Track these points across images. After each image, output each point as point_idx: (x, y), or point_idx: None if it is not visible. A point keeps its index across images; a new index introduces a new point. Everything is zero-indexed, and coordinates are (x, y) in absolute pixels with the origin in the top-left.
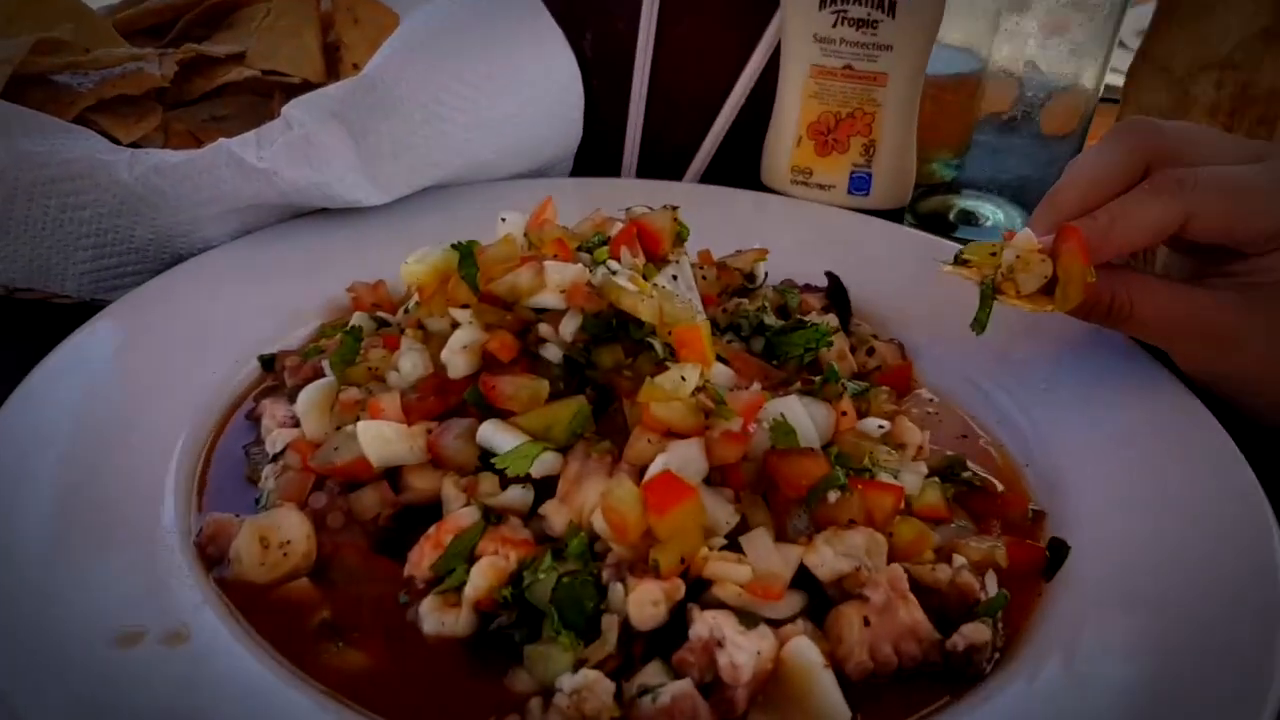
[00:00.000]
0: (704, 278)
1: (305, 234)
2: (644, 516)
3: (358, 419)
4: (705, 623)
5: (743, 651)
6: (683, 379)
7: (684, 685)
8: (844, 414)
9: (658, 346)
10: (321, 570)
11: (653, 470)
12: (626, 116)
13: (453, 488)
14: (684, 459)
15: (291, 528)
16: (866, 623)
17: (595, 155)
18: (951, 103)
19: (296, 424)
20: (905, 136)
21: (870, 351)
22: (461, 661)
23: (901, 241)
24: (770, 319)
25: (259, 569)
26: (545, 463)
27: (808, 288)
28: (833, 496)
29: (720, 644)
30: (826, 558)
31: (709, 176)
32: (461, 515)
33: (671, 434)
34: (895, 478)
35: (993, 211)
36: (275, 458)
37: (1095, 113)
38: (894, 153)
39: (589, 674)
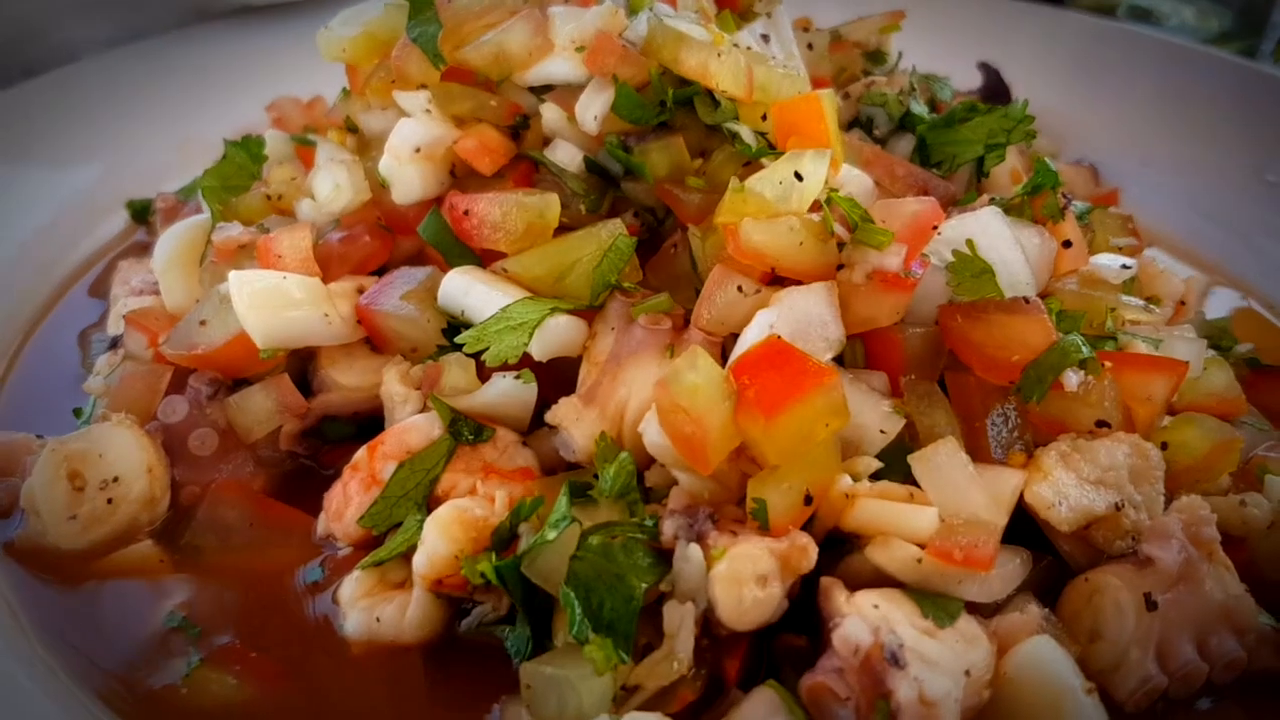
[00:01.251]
0: (810, 46)
1: (210, 43)
2: (734, 421)
3: None
4: (863, 617)
5: (939, 674)
6: (796, 177)
7: None
8: (1067, 244)
9: (745, 134)
10: (177, 529)
11: (749, 339)
12: None
13: (398, 382)
14: (803, 317)
15: (122, 455)
16: (1151, 605)
17: None
18: None
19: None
20: None
21: None
22: (415, 688)
23: (1071, 32)
24: (920, 108)
25: (66, 526)
26: (556, 334)
27: None
28: (1071, 382)
29: (895, 660)
30: (1064, 489)
31: None
32: (412, 428)
33: (778, 278)
34: (1156, 349)
35: (1175, 9)
36: (114, 343)
37: None
38: None
39: None
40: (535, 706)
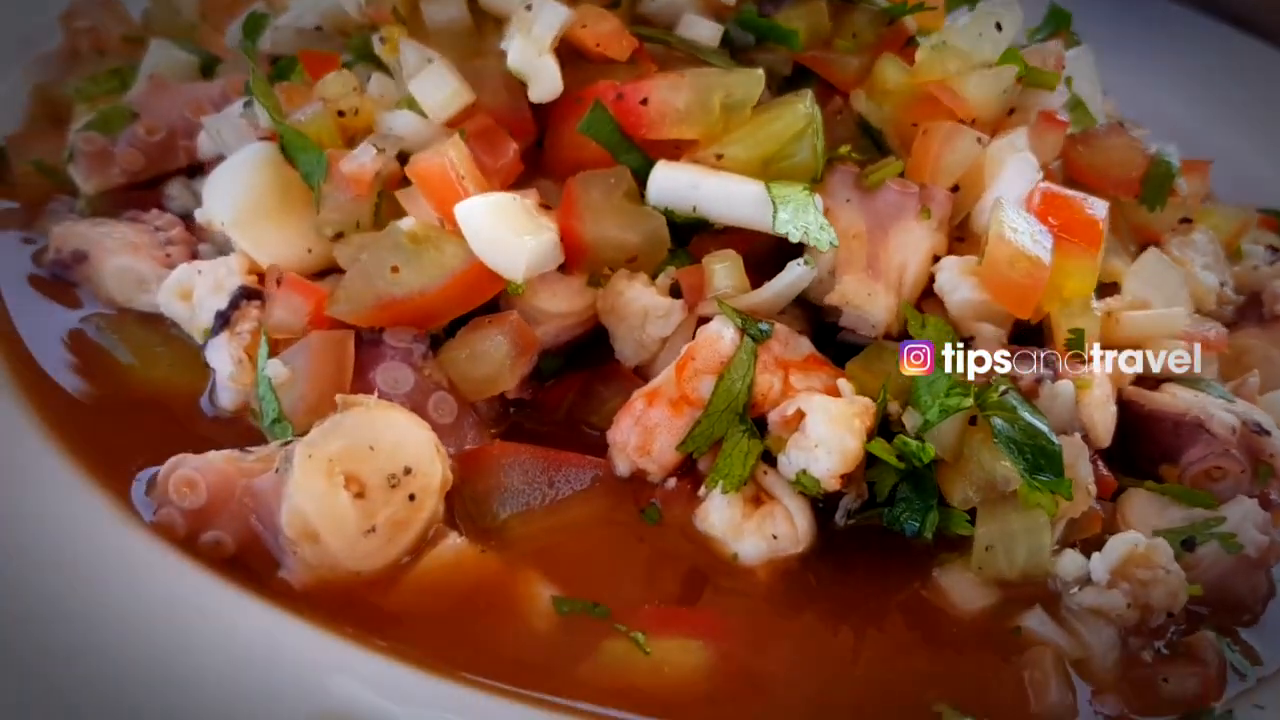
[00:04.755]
0: None
1: None
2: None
3: (378, 206)
4: (1215, 406)
5: None
6: (997, 28)
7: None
8: None
9: None
10: (453, 514)
11: (1016, 187)
12: None
13: (656, 294)
14: (1026, 165)
15: (403, 440)
16: None
17: None
18: None
19: (193, 254)
20: None
21: None
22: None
23: None
24: None
25: (364, 544)
26: (819, 213)
27: None
28: (1184, 187)
29: (1263, 429)
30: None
31: None
32: (719, 337)
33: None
34: None
35: None
36: (226, 320)
37: None
38: None
39: (1138, 543)
40: (988, 565)
